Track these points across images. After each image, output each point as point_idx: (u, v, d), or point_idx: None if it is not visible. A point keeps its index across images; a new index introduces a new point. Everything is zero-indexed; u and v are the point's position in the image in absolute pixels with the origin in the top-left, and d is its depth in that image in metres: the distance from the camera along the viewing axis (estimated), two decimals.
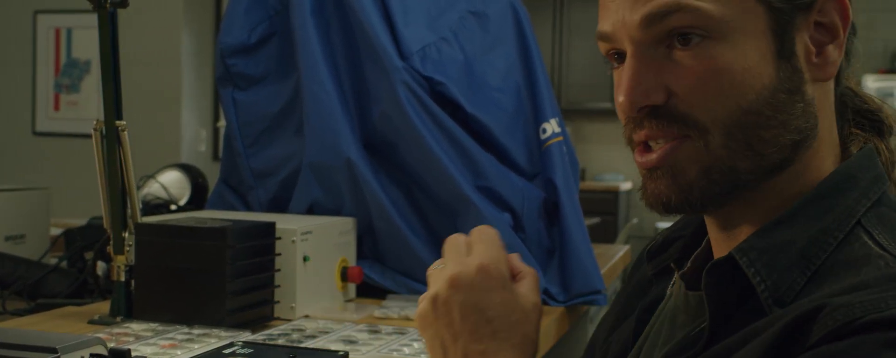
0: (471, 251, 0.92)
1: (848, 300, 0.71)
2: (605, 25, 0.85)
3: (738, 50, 0.79)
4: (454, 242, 0.94)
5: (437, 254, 1.85)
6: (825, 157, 0.85)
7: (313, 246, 1.69)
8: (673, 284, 0.98)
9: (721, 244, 0.89)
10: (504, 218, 1.84)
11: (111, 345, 1.10)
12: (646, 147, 0.85)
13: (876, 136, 0.89)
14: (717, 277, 0.82)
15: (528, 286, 0.92)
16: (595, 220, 6.46)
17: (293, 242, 1.65)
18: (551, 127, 1.94)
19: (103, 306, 1.66)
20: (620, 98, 0.82)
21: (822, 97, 0.84)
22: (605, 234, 6.88)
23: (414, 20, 1.89)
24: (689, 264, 0.94)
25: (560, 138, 1.95)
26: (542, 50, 2.06)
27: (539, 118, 1.95)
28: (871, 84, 6.87)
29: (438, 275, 0.91)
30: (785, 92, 0.80)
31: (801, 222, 0.80)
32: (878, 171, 0.84)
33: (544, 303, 1.84)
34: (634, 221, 6.97)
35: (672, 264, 0.98)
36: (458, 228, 1.84)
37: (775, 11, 0.80)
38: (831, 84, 0.86)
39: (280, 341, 1.44)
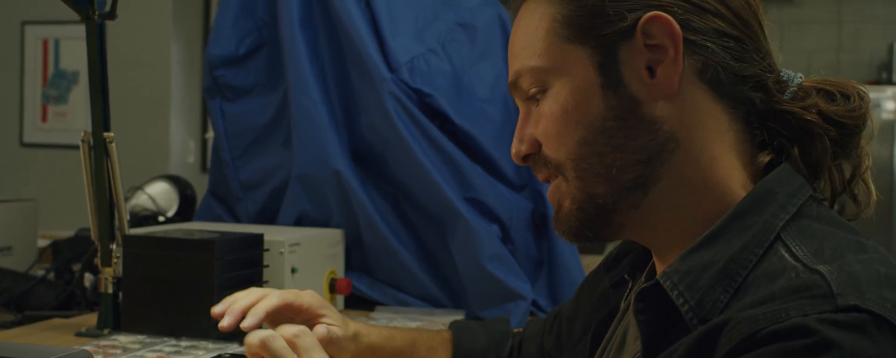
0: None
1: (752, 313, 0.74)
2: None
3: (568, 91, 0.88)
4: (279, 349, 0.96)
5: (426, 265, 1.87)
6: (726, 167, 0.86)
7: (301, 258, 1.69)
8: (626, 297, 0.99)
9: (659, 269, 0.91)
10: (492, 229, 1.84)
11: (98, 357, 1.09)
12: None
13: (797, 146, 0.87)
14: (646, 303, 0.84)
15: None
16: None
17: (281, 253, 1.65)
18: None
19: (91, 319, 1.66)
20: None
21: (681, 112, 0.85)
22: (592, 245, 6.89)
23: (402, 32, 1.89)
24: (642, 280, 0.96)
25: None
26: None
27: None
28: None
29: None
30: (614, 119, 0.86)
31: (721, 242, 0.82)
32: (796, 183, 0.85)
33: (532, 315, 1.84)
34: None
35: (626, 276, 1.01)
36: (447, 239, 1.84)
37: (594, 49, 0.87)
38: (698, 96, 0.85)
39: None
